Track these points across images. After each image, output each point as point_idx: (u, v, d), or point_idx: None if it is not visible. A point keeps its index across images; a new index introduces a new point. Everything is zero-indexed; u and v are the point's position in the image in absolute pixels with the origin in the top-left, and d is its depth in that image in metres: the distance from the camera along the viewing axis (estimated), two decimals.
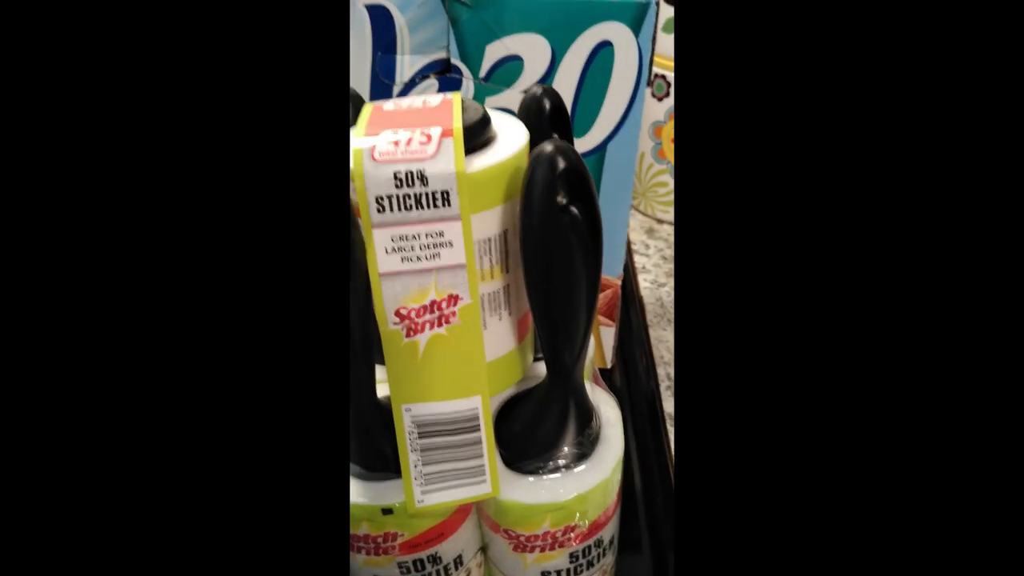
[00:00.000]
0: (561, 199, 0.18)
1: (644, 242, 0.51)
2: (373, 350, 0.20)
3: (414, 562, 0.22)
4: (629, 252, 0.50)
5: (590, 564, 0.24)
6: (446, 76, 0.31)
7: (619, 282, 0.36)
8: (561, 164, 0.17)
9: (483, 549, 0.25)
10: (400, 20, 0.29)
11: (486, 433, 0.20)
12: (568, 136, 0.24)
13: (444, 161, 0.17)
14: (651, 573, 0.31)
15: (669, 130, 0.48)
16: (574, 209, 0.18)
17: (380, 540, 0.22)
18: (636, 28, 0.29)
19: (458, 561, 0.24)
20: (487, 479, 0.21)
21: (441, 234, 0.18)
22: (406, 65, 0.30)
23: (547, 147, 0.17)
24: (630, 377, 0.40)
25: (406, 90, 0.31)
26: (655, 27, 0.29)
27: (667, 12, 0.46)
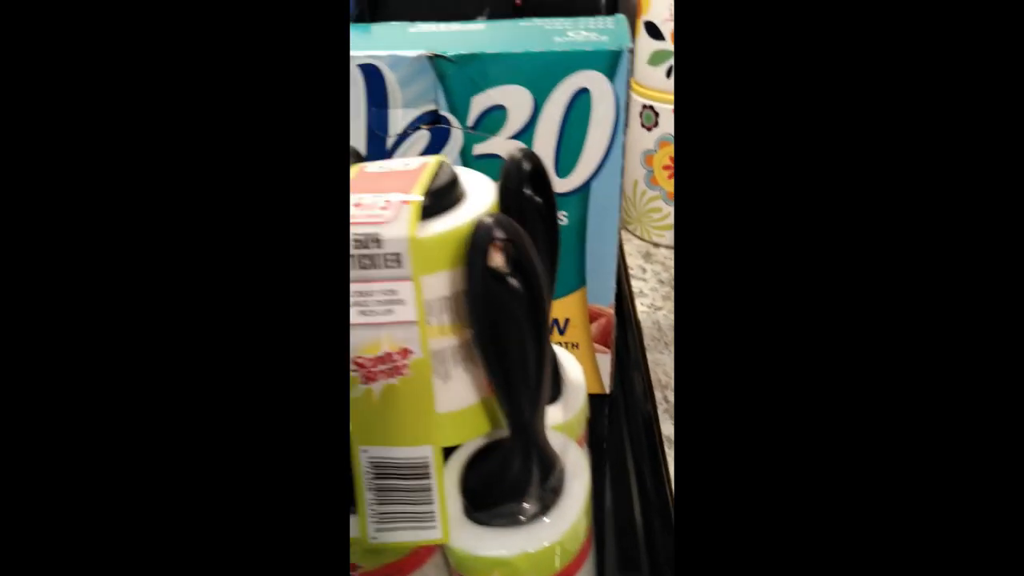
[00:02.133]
0: (500, 268, 0.19)
1: (641, 266, 0.52)
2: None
3: None
4: (626, 276, 0.51)
5: None
6: (436, 127, 0.33)
7: (611, 310, 0.37)
8: (498, 234, 0.19)
9: None
10: (391, 77, 0.32)
11: (437, 481, 0.22)
12: (548, 196, 0.25)
13: (399, 226, 0.19)
14: None
15: (660, 158, 0.50)
16: (512, 279, 0.19)
17: None
18: (611, 74, 0.31)
19: None
20: (437, 525, 0.22)
21: (394, 292, 0.20)
22: (398, 118, 0.33)
23: (485, 218, 0.19)
24: (628, 401, 0.42)
25: (399, 141, 0.33)
26: (628, 72, 0.31)
27: (654, 46, 0.48)
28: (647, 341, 0.45)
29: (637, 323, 0.47)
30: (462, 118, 0.33)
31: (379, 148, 0.33)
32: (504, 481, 0.23)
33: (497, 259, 0.19)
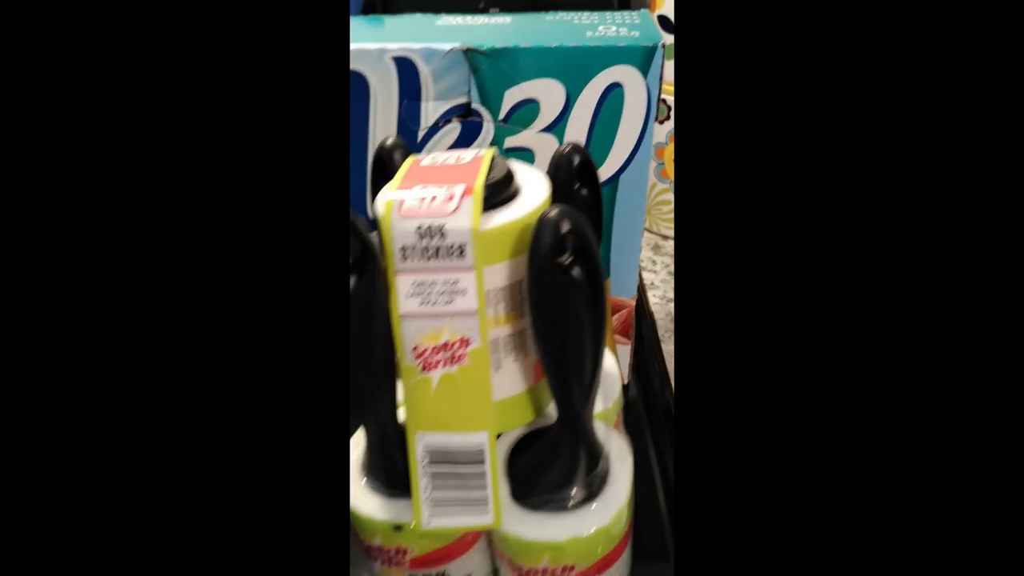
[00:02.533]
0: (564, 259, 0.20)
1: (651, 259, 0.53)
2: (395, 377, 0.23)
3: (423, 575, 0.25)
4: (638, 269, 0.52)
5: None
6: (467, 119, 0.33)
7: (633, 302, 0.38)
8: (564, 227, 0.19)
9: (495, 571, 0.27)
10: (424, 70, 0.32)
11: (491, 467, 0.22)
12: (595, 188, 0.26)
13: (462, 218, 0.20)
14: None
15: (671, 151, 0.51)
16: (575, 270, 0.20)
17: (392, 553, 0.24)
18: (644, 70, 0.31)
19: None
20: (490, 510, 0.23)
21: (456, 282, 0.20)
22: (430, 111, 0.33)
23: (551, 211, 0.19)
24: (645, 390, 0.43)
25: (430, 134, 0.33)
26: (661, 67, 0.32)
27: (667, 40, 0.48)
28: (661, 332, 0.46)
29: (650, 314, 0.48)
30: (494, 111, 0.33)
31: (410, 141, 0.34)
32: (553, 469, 0.24)
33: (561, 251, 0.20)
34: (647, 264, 0.53)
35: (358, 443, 0.27)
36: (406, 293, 0.21)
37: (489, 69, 0.32)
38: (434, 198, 0.20)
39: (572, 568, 0.24)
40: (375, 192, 0.25)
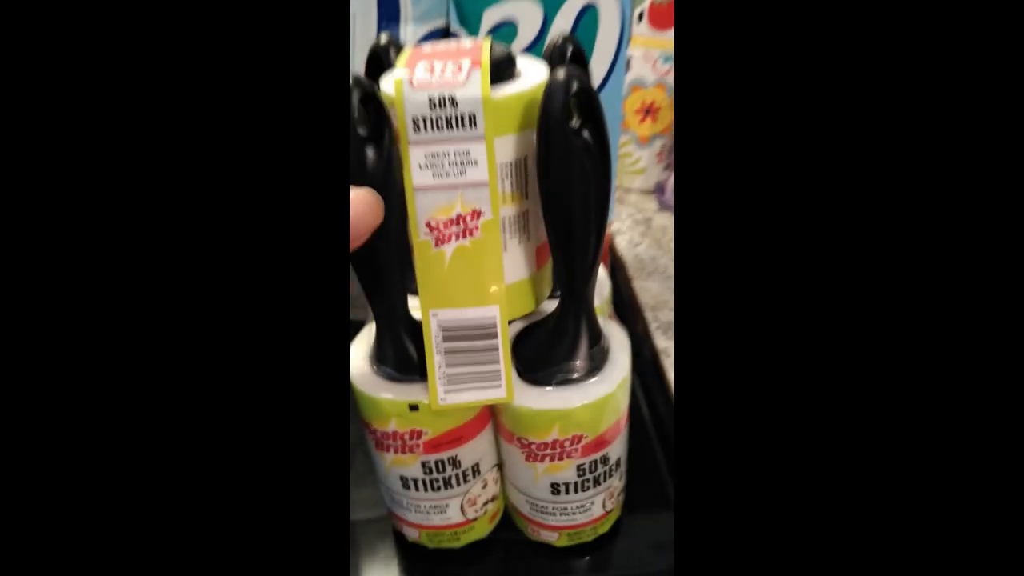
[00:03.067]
0: (574, 122, 0.21)
1: (616, 209, 0.55)
2: (407, 266, 0.23)
3: (436, 462, 0.25)
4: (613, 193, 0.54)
5: (596, 481, 0.27)
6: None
7: (609, 230, 0.40)
8: (574, 86, 0.20)
9: (499, 466, 0.28)
10: None
11: (502, 341, 0.23)
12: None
13: (472, 87, 0.21)
14: (655, 496, 0.34)
15: (632, 102, 0.53)
16: (585, 133, 0.21)
17: (407, 437, 0.24)
18: None
19: (475, 469, 0.27)
20: (502, 384, 0.24)
21: (468, 153, 0.21)
22: (409, 33, 0.33)
23: (560, 72, 0.20)
24: (622, 317, 0.45)
25: None
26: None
27: None
28: (631, 272, 0.48)
29: (620, 256, 0.50)
30: (473, 32, 0.34)
31: None
32: (559, 344, 0.25)
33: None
34: (612, 215, 0.55)
35: (364, 337, 0.27)
36: (419, 165, 0.21)
37: None
38: (444, 70, 0.21)
39: (580, 439, 0.25)
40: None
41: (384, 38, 0.26)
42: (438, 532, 0.29)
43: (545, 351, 0.25)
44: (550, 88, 0.21)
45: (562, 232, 0.23)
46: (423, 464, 0.25)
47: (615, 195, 0.55)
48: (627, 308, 0.46)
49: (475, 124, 0.21)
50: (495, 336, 0.23)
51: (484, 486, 0.28)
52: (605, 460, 0.27)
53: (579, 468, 0.26)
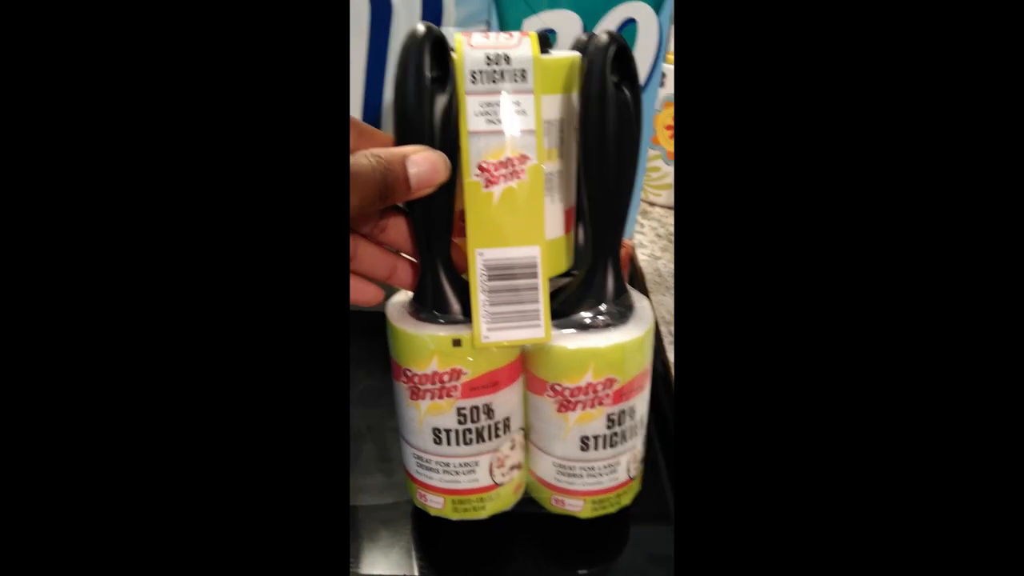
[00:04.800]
0: (614, 77, 0.24)
1: (640, 222, 0.58)
2: (452, 221, 0.26)
3: (472, 408, 0.27)
4: (639, 209, 0.57)
5: (624, 436, 0.28)
6: None
7: (632, 243, 0.42)
8: (614, 48, 0.24)
9: (526, 433, 0.30)
10: None
11: (543, 282, 0.25)
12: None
13: (524, 48, 0.24)
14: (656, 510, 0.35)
15: (663, 118, 0.56)
16: (623, 91, 0.24)
17: (446, 378, 0.26)
18: (657, 7, 0.37)
19: (507, 424, 0.28)
20: (542, 324, 0.26)
21: (518, 103, 0.24)
22: (450, 38, 0.37)
23: (602, 34, 0.24)
24: None
25: None
26: (672, 6, 0.37)
27: None
28: (649, 285, 0.51)
29: (640, 270, 0.52)
30: None
31: None
32: (590, 292, 0.27)
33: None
34: (636, 227, 0.58)
35: (401, 293, 0.29)
36: (475, 112, 0.24)
37: None
38: (498, 37, 0.24)
39: (612, 382, 0.26)
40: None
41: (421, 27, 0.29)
42: (464, 499, 0.30)
43: (577, 300, 0.27)
44: (595, 43, 0.24)
45: (597, 182, 0.25)
46: (458, 411, 0.27)
47: (639, 208, 0.59)
48: None
49: (526, 79, 0.24)
50: (536, 276, 0.25)
51: (512, 447, 0.29)
52: (632, 412, 0.28)
53: (609, 419, 0.28)
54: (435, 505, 0.30)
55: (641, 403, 0.29)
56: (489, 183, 0.25)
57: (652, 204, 0.61)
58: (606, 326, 0.27)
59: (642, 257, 0.54)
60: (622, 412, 0.28)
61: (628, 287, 0.29)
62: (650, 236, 0.56)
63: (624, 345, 0.26)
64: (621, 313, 0.27)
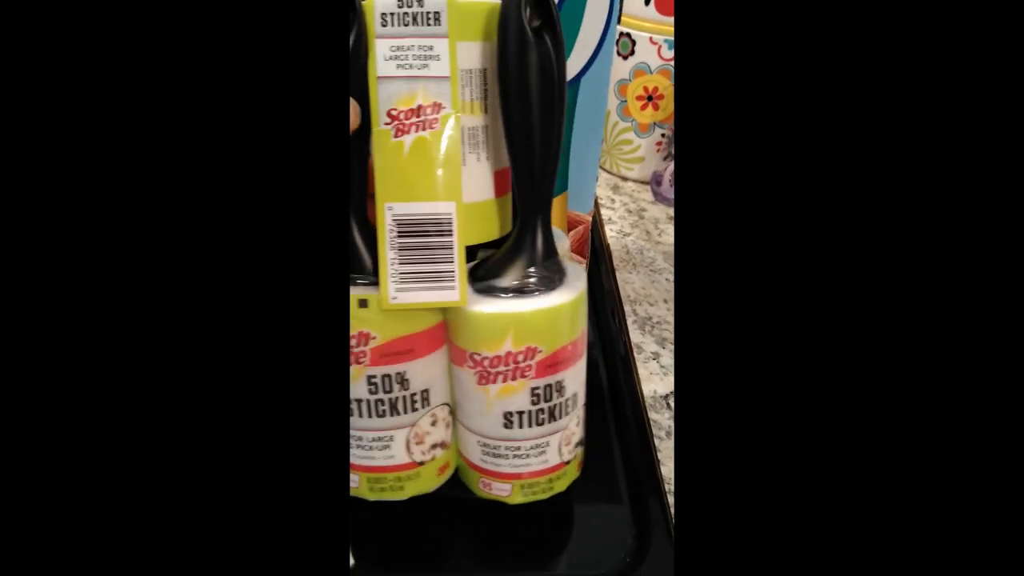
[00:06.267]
0: (533, 22, 0.23)
1: (610, 197, 0.57)
2: (367, 178, 0.25)
3: (383, 377, 0.25)
4: (596, 205, 0.55)
5: (552, 415, 0.27)
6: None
7: (589, 219, 0.41)
8: None
9: (452, 411, 0.28)
10: None
11: (458, 240, 0.24)
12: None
13: None
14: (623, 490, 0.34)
15: (634, 88, 0.55)
16: (543, 39, 0.23)
17: (354, 343, 0.25)
18: None
19: (425, 397, 0.27)
20: (456, 286, 0.24)
21: (431, 48, 0.23)
22: None
23: None
24: (599, 316, 0.45)
25: None
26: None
27: None
28: (616, 263, 0.49)
29: (607, 247, 0.51)
30: None
31: None
32: (515, 256, 0.26)
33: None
34: (606, 202, 0.56)
35: None
36: (384, 56, 0.23)
37: None
38: None
39: (534, 352, 0.25)
40: None
41: None
42: (380, 477, 0.28)
43: (502, 265, 0.26)
44: None
45: (518, 134, 0.24)
46: (369, 379, 0.26)
47: (611, 182, 0.57)
48: (607, 300, 0.46)
49: (439, 22, 0.23)
50: (450, 233, 0.24)
51: (433, 423, 0.28)
52: (561, 389, 0.27)
53: (533, 392, 0.26)
54: (351, 482, 0.29)
55: (572, 379, 0.27)
56: (400, 132, 0.23)
57: (624, 179, 0.59)
58: (531, 291, 0.26)
59: (611, 234, 0.52)
60: (548, 386, 0.26)
61: (564, 255, 0.27)
62: (620, 212, 0.55)
63: (547, 311, 0.25)
64: (549, 278, 0.26)
